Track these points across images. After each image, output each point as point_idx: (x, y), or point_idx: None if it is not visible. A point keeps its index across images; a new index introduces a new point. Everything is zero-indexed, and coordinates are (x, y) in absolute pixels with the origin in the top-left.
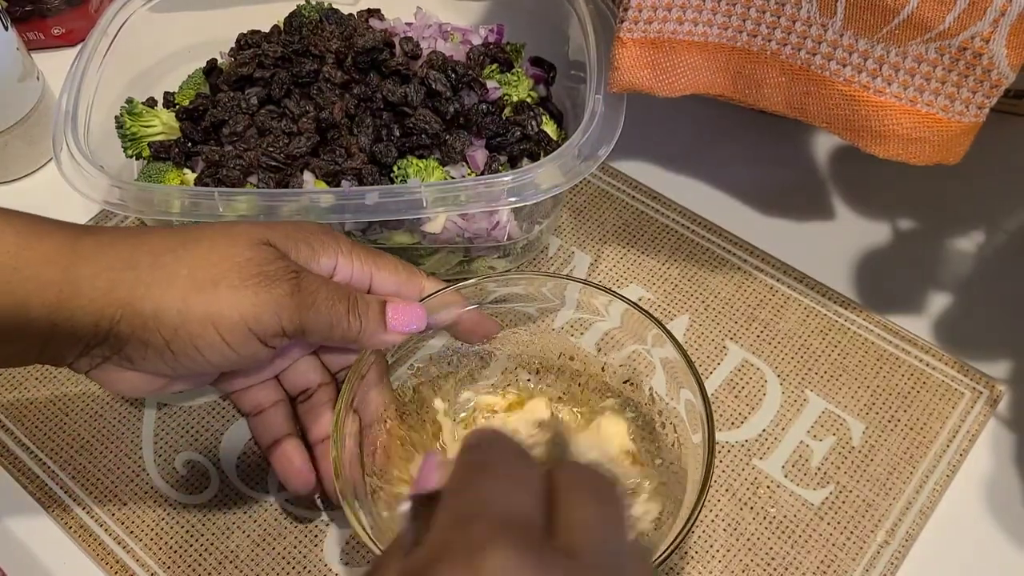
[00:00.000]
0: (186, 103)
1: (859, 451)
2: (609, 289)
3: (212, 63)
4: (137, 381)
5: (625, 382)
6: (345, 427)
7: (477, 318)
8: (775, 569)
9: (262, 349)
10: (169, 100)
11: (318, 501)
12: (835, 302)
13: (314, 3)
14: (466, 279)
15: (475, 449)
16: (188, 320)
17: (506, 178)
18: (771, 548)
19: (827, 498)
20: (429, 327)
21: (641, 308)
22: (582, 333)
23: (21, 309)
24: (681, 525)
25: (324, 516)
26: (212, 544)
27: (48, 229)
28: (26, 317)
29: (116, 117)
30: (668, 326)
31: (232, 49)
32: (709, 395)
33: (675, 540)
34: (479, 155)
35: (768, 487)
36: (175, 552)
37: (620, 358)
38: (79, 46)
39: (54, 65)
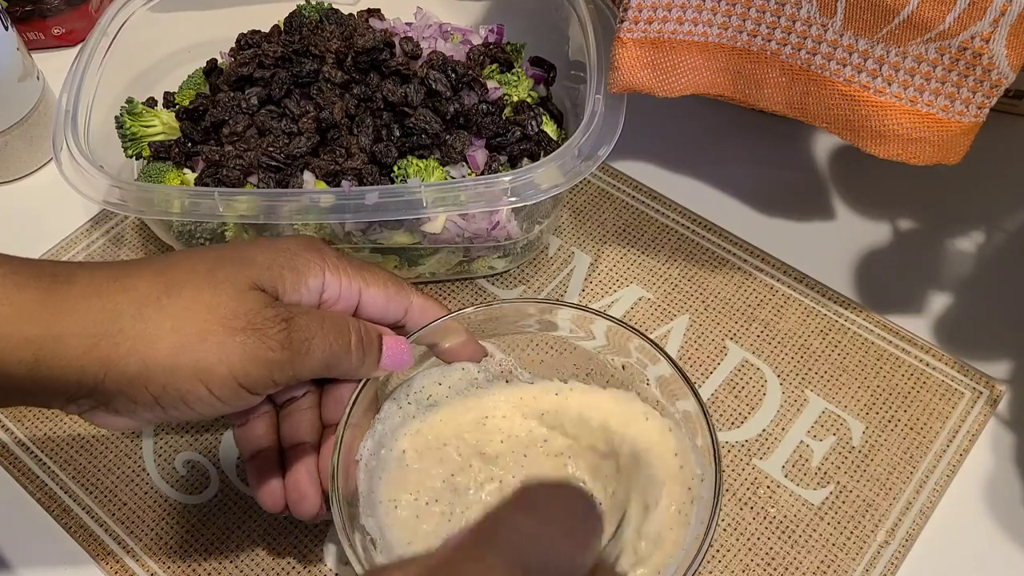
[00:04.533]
0: (186, 103)
1: (859, 451)
2: (593, 309)
3: (212, 63)
4: (129, 423)
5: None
6: (344, 442)
7: (466, 346)
8: (775, 569)
9: (253, 398)
10: (169, 100)
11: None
12: (835, 302)
13: (314, 3)
14: (465, 279)
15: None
16: (176, 377)
17: (506, 178)
18: (771, 548)
19: (827, 498)
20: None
21: (625, 323)
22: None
23: None
24: (698, 544)
25: (324, 516)
26: (212, 544)
27: (23, 279)
28: (2, 373)
29: (116, 117)
30: (668, 326)
31: (232, 49)
32: (709, 395)
33: (698, 554)
34: (479, 155)
35: (768, 487)
36: (175, 552)
37: (617, 362)
38: (79, 46)
39: (54, 65)
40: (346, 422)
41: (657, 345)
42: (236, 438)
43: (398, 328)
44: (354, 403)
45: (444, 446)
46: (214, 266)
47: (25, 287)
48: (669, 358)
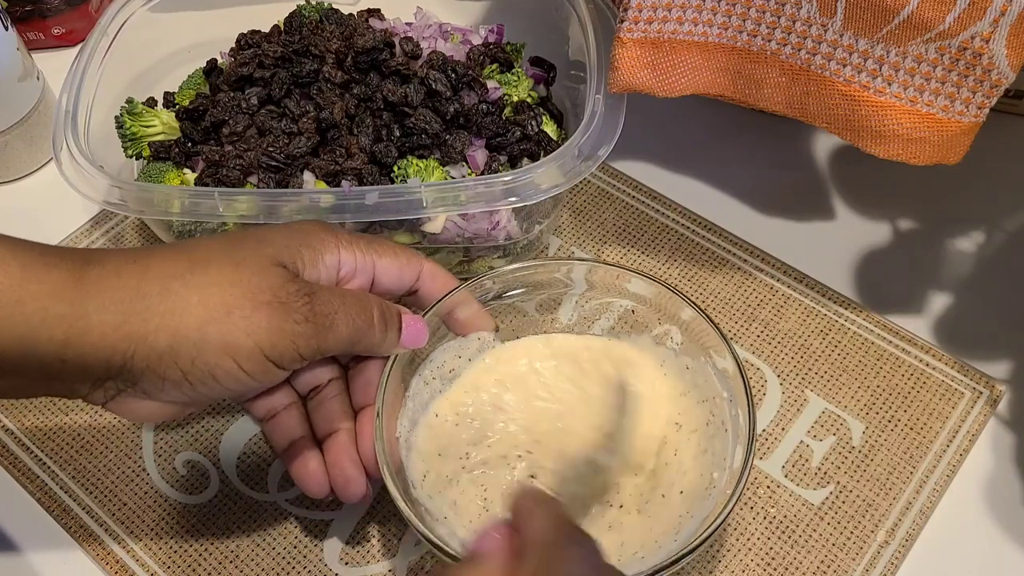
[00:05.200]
0: (186, 103)
1: (859, 451)
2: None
3: (212, 63)
4: (154, 409)
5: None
6: (386, 409)
7: (478, 315)
8: (775, 569)
9: (280, 373)
10: (169, 100)
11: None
12: (835, 302)
13: (314, 3)
14: (466, 279)
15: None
16: (204, 351)
17: (506, 178)
18: (771, 548)
19: (827, 498)
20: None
21: (669, 285)
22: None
23: (26, 343)
24: (722, 505)
25: (324, 516)
26: (212, 544)
27: (53, 260)
28: (31, 352)
29: (116, 117)
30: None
31: (232, 49)
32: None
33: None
34: (479, 155)
35: (768, 487)
36: (175, 552)
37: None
38: (79, 46)
39: (54, 65)
40: (382, 401)
41: (681, 294)
42: (267, 433)
43: (411, 295)
44: (387, 383)
45: (469, 407)
46: (233, 246)
47: (56, 267)
48: (692, 303)
